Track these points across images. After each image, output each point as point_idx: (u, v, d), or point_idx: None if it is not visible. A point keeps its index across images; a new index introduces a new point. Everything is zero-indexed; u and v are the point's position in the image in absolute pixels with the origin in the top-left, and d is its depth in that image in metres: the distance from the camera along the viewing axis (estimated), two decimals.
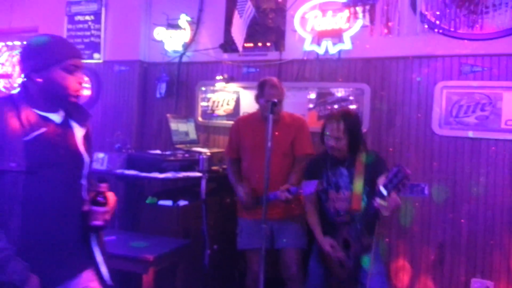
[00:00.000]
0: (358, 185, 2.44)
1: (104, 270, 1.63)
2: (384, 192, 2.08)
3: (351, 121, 2.49)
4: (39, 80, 1.48)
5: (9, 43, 5.01)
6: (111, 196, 1.61)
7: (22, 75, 1.52)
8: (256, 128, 2.83)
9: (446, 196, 3.05)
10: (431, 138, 3.11)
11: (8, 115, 1.41)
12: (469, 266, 2.99)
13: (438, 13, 3.11)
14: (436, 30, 3.11)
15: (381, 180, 2.18)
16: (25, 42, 1.59)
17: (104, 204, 1.56)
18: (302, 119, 3.02)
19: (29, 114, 1.47)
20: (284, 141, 2.80)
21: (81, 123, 1.62)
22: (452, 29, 3.08)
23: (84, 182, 1.60)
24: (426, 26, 3.13)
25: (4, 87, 4.88)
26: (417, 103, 3.17)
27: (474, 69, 3.04)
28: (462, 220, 3.01)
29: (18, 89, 1.53)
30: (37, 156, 1.43)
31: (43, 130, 1.47)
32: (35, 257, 1.41)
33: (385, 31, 3.25)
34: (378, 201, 2.12)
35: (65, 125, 1.57)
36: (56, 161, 1.48)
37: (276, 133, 2.67)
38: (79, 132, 1.61)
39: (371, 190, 2.38)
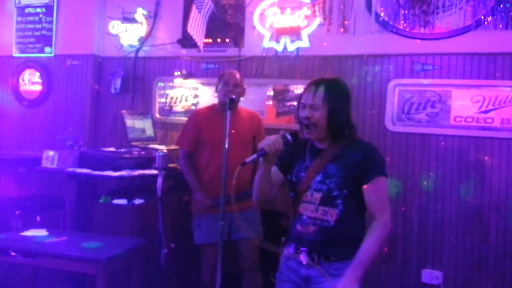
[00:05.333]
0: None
1: None
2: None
3: (336, 87, 1.81)
4: None
5: None
6: None
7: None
8: (215, 121, 2.82)
9: (398, 190, 3.16)
10: (384, 134, 3.21)
11: None
12: (420, 257, 3.11)
13: (392, 13, 3.20)
14: (389, 29, 3.20)
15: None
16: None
17: None
18: (259, 115, 3.06)
19: None
20: (243, 134, 2.82)
21: None
22: (405, 29, 3.18)
23: None
24: (380, 26, 3.21)
25: None
26: (371, 100, 3.25)
27: (425, 68, 3.15)
28: (413, 213, 3.13)
29: None
30: None
31: None
32: None
33: (342, 29, 3.31)
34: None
35: None
36: None
37: (234, 125, 2.66)
38: None
39: (351, 194, 1.74)
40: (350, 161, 1.73)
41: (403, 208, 3.14)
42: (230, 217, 2.71)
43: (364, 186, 1.71)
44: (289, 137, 1.76)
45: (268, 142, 1.73)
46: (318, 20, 3.32)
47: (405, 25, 3.18)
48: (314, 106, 1.76)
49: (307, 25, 3.34)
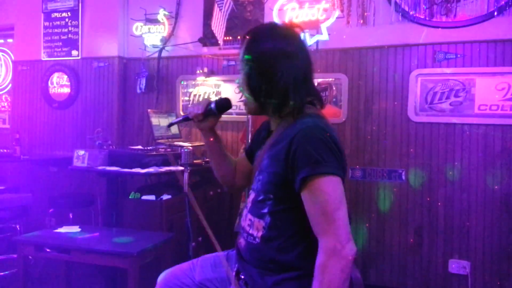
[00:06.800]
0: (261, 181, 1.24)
1: None
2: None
3: (264, 35, 1.23)
4: None
5: None
6: None
7: None
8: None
9: (423, 181, 3.14)
10: (407, 125, 3.19)
11: None
12: (446, 247, 3.08)
13: (411, 2, 3.17)
14: (410, 19, 3.17)
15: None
16: None
17: None
18: None
19: None
20: None
21: None
22: (425, 18, 3.15)
23: None
24: (400, 16, 3.19)
25: None
26: (393, 91, 3.24)
27: (447, 56, 3.12)
28: (439, 203, 3.10)
29: None
30: None
31: None
32: None
33: (361, 21, 3.30)
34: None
35: None
36: None
37: None
38: None
39: (279, 201, 1.18)
40: (278, 150, 1.15)
41: (428, 199, 3.12)
42: None
43: (301, 193, 1.11)
44: (212, 105, 1.36)
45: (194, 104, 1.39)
46: (337, 12, 3.33)
47: (426, 14, 3.15)
48: (239, 65, 1.25)
49: (326, 18, 3.35)
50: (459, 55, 3.09)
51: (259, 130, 1.43)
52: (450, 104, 3.10)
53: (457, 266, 3.04)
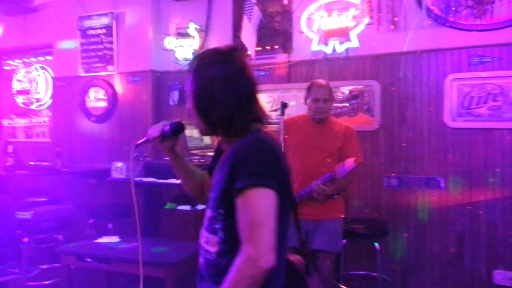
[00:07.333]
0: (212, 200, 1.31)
1: None
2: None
3: (209, 60, 1.29)
4: None
5: (25, 60, 5.17)
6: None
7: None
8: (304, 129, 2.76)
9: (463, 188, 3.05)
10: (443, 131, 3.11)
11: None
12: (490, 258, 2.98)
13: (443, 6, 3.12)
14: (442, 23, 3.11)
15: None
16: None
17: None
18: (348, 127, 2.81)
19: None
20: (326, 144, 2.71)
21: None
22: (458, 21, 3.08)
23: None
24: (432, 20, 3.14)
25: (23, 103, 5.03)
26: (427, 97, 3.17)
27: (483, 60, 3.04)
28: (480, 212, 3.00)
29: None
30: None
31: None
32: None
33: (392, 27, 3.27)
34: None
35: None
36: None
37: (318, 135, 2.68)
38: None
39: (230, 216, 1.21)
40: (224, 167, 1.23)
41: (469, 207, 3.03)
42: (307, 224, 2.61)
43: (235, 201, 1.17)
44: (166, 127, 1.42)
45: (152, 127, 1.44)
46: (367, 19, 3.31)
47: (458, 17, 3.08)
48: (186, 91, 1.32)
49: (356, 25, 3.33)
50: (495, 58, 3.00)
51: (217, 148, 1.48)
52: (488, 109, 3.01)
53: (503, 277, 2.92)
